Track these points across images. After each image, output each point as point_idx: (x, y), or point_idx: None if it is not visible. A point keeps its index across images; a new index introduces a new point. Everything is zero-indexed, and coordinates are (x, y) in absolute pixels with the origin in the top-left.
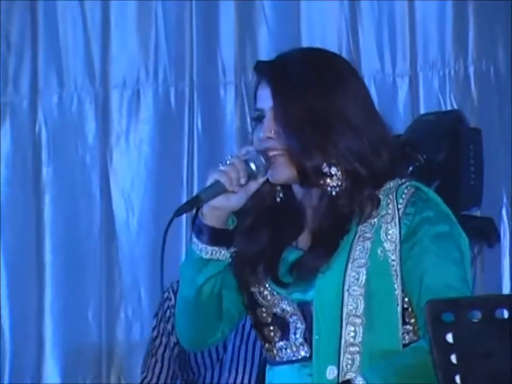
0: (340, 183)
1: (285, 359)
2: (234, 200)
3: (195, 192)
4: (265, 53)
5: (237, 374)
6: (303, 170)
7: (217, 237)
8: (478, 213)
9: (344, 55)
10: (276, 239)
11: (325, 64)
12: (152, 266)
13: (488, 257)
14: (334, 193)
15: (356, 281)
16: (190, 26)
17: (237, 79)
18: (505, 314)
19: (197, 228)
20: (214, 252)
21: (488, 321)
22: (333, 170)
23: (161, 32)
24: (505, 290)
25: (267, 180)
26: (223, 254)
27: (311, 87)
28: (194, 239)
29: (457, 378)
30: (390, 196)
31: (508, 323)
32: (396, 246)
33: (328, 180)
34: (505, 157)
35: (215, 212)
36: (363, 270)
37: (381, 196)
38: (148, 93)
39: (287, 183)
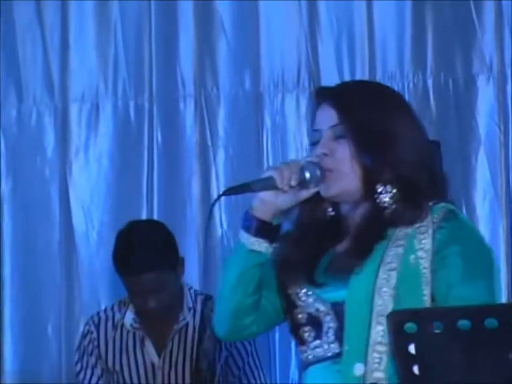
0: (393, 198)
1: (317, 358)
2: (282, 199)
3: (155, 205)
4: (225, 66)
5: None
6: (366, 184)
7: (262, 229)
8: None
9: (303, 67)
10: (317, 248)
11: (383, 89)
12: (112, 279)
13: None
14: (384, 205)
15: (386, 283)
16: (149, 40)
17: (197, 93)
18: (467, 325)
19: (245, 219)
20: (257, 243)
21: (451, 333)
22: (389, 187)
23: (120, 46)
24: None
25: (318, 194)
26: (265, 247)
27: (374, 108)
28: (241, 231)
29: None
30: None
31: (471, 334)
32: (428, 255)
33: (382, 195)
34: (462, 169)
35: (262, 206)
36: (394, 273)
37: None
38: (107, 106)
39: (337, 198)
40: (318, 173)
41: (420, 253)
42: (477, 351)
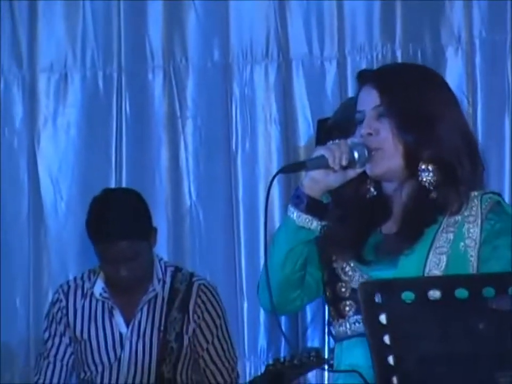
0: (435, 178)
1: (356, 332)
2: (332, 179)
3: (124, 176)
4: (194, 37)
5: (135, 371)
6: (409, 162)
7: (312, 206)
8: None
9: (272, 38)
10: (365, 226)
11: (427, 72)
12: (81, 250)
13: None
14: (428, 186)
15: (436, 266)
16: (118, 11)
17: (165, 64)
18: (438, 295)
19: (295, 196)
20: (307, 220)
21: (421, 303)
22: (431, 166)
23: (88, 17)
24: None
25: (362, 174)
26: (315, 225)
27: (415, 89)
28: (291, 207)
29: (391, 359)
30: (475, 200)
31: (441, 304)
32: (476, 244)
33: (425, 174)
34: None
35: (313, 184)
36: (444, 257)
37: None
38: (75, 77)
39: (382, 178)
40: (366, 153)
41: (468, 241)
42: (448, 321)
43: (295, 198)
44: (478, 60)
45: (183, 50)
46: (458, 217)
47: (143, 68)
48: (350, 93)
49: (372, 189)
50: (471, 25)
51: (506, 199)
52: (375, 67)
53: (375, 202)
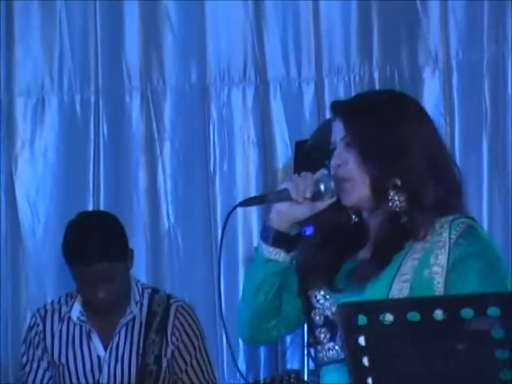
0: (404, 205)
1: (331, 359)
2: (298, 210)
3: (102, 199)
4: (171, 59)
5: None
6: (375, 192)
7: (278, 239)
8: None
9: (249, 60)
10: (340, 253)
11: (393, 98)
12: (59, 273)
13: None
14: (398, 212)
15: (399, 293)
16: (95, 33)
17: (143, 86)
18: (417, 317)
19: (264, 230)
20: (274, 253)
21: (400, 324)
22: (398, 194)
23: (65, 39)
24: None
25: (339, 203)
26: (282, 257)
27: (379, 119)
28: (260, 240)
29: (369, 381)
30: (445, 226)
31: (420, 326)
32: (443, 271)
33: (394, 201)
34: None
35: (279, 217)
36: (407, 285)
37: (437, 224)
38: (52, 100)
39: (355, 207)
40: (332, 184)
41: (435, 268)
42: (427, 343)
43: (264, 231)
44: (455, 80)
45: (160, 72)
46: (427, 245)
47: (121, 90)
48: (328, 115)
49: (353, 216)
50: (448, 45)
51: (484, 220)
52: (352, 89)
53: (355, 228)
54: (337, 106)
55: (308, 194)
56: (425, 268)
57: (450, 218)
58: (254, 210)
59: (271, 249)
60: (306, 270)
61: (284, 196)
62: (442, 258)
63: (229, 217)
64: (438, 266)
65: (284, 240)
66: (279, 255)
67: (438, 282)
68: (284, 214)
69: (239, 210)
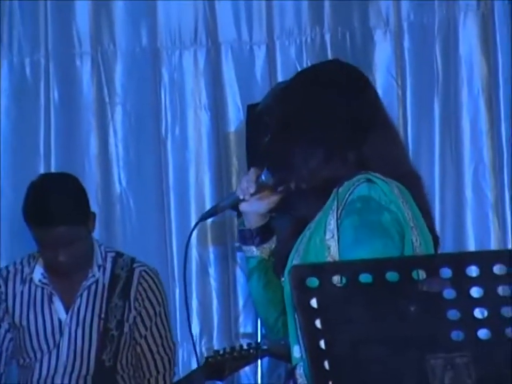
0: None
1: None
2: (257, 206)
3: (53, 163)
4: (121, 23)
5: (75, 358)
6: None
7: (244, 237)
8: None
9: (200, 24)
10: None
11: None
12: (9, 236)
13: None
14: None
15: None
16: None
17: (93, 50)
18: (370, 279)
19: (239, 235)
20: (247, 250)
21: (353, 286)
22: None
23: (15, 3)
24: None
25: None
26: (255, 251)
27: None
28: (241, 246)
29: (322, 343)
30: (334, 190)
31: (373, 288)
32: (334, 235)
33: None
34: None
35: (246, 217)
36: (297, 257)
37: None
38: (2, 64)
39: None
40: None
41: (327, 235)
42: (380, 304)
43: (239, 236)
44: (406, 42)
45: (110, 35)
46: (320, 213)
47: (71, 54)
48: (280, 78)
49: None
50: (399, 7)
51: (436, 182)
52: (304, 51)
53: None
54: None
55: (252, 190)
56: (316, 237)
57: (346, 183)
58: (206, 179)
59: (245, 247)
60: (274, 258)
61: (233, 199)
62: (332, 223)
63: (190, 236)
64: (329, 231)
65: (247, 237)
66: (252, 252)
67: (330, 247)
68: (249, 213)
69: (191, 174)
